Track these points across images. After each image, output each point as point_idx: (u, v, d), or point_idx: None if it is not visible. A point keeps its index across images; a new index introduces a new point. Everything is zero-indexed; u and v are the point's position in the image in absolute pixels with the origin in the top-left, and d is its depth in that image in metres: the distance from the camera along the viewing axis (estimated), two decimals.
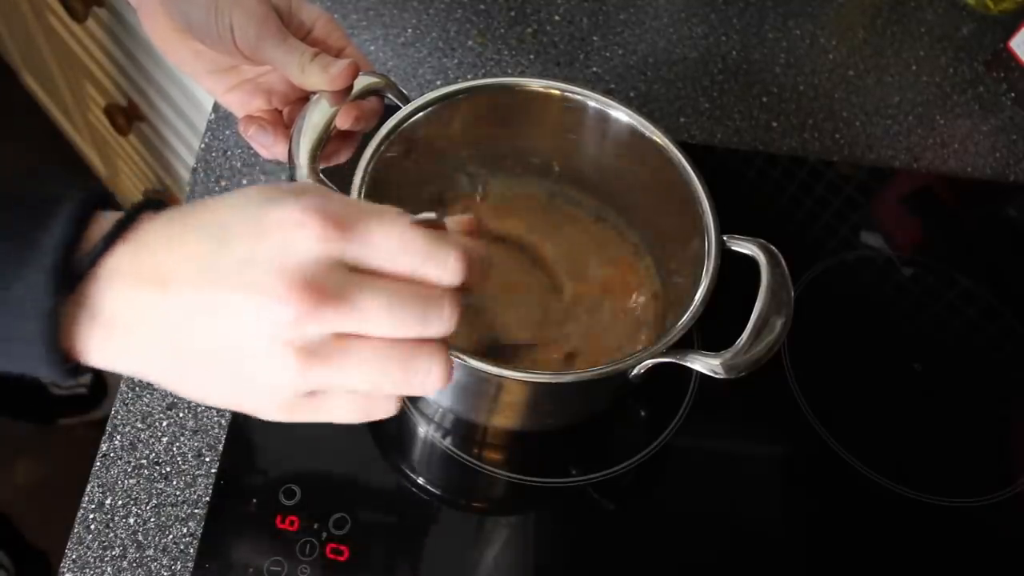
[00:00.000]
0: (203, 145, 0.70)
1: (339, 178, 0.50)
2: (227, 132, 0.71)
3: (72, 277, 0.32)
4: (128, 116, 1.15)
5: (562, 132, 0.61)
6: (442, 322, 0.33)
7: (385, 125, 0.54)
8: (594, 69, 0.78)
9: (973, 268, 0.72)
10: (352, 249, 0.32)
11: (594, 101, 0.58)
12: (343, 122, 0.52)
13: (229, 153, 0.70)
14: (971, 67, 0.86)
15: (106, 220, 0.33)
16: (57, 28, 1.17)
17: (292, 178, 0.50)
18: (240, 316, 0.31)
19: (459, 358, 0.46)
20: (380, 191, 0.52)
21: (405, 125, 0.55)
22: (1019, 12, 0.87)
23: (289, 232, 0.31)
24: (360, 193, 0.51)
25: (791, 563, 0.58)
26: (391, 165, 0.54)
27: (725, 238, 0.52)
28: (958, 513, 0.61)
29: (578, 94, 0.58)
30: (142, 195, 0.38)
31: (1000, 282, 0.72)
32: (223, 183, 0.68)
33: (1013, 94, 0.84)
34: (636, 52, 0.80)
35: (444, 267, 0.33)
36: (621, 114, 0.58)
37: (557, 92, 0.58)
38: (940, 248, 0.74)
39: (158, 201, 0.34)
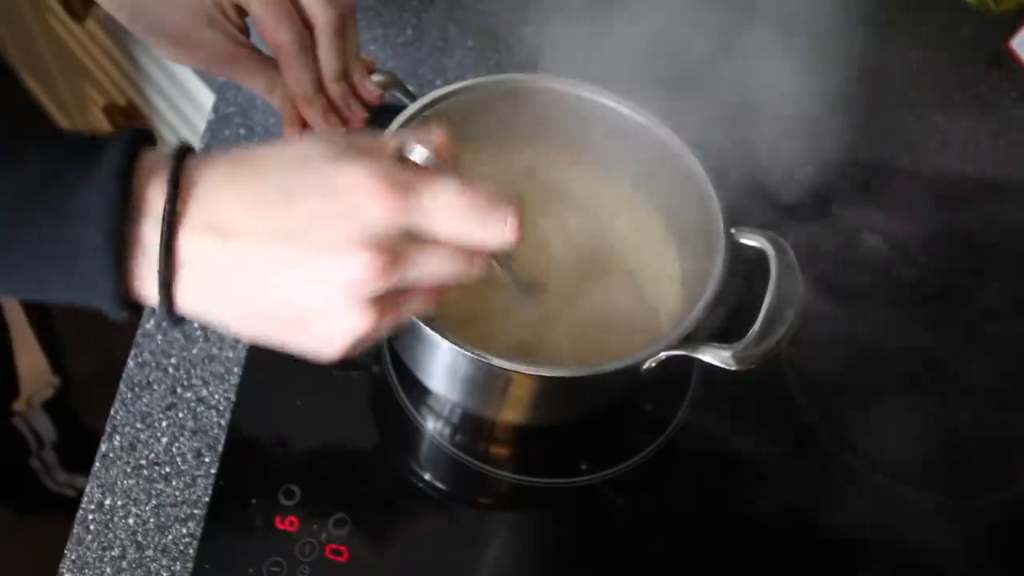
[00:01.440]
0: (202, 145, 0.70)
1: None
2: (226, 132, 0.71)
3: (132, 201, 0.32)
4: (128, 116, 1.15)
5: (570, 128, 0.61)
6: (480, 264, 0.37)
7: (393, 123, 0.54)
8: (594, 69, 0.78)
9: (973, 268, 0.72)
10: (414, 216, 0.33)
11: (601, 96, 0.58)
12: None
13: None
14: (972, 67, 0.86)
15: (151, 154, 0.34)
16: (57, 28, 1.17)
17: None
18: (314, 276, 0.33)
19: (475, 354, 0.47)
20: None
21: (413, 122, 0.55)
22: (1019, 12, 0.87)
23: (359, 197, 0.33)
24: None
25: (793, 563, 0.58)
26: None
27: (733, 231, 0.53)
28: (959, 513, 0.61)
29: (586, 91, 0.58)
30: (177, 146, 0.40)
31: (1000, 282, 0.72)
32: None
33: (1014, 94, 0.84)
34: (636, 52, 0.80)
35: (499, 234, 0.35)
36: (627, 109, 0.58)
37: (565, 89, 0.59)
38: (940, 248, 0.74)
39: (190, 147, 0.35)
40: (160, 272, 0.33)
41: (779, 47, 0.85)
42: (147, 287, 0.34)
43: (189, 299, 0.34)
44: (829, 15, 0.88)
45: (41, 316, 1.06)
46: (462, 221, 0.34)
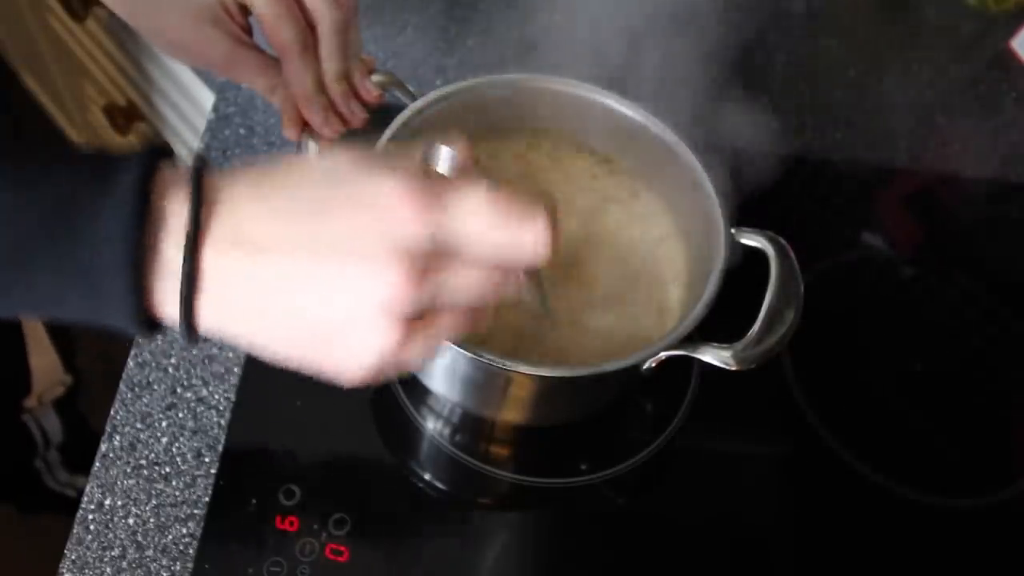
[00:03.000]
0: (202, 145, 0.70)
1: None
2: (226, 132, 0.71)
3: (151, 219, 0.32)
4: (128, 116, 1.15)
5: (572, 128, 0.61)
6: (512, 283, 0.35)
7: (393, 123, 0.54)
8: (594, 69, 0.78)
9: (973, 268, 0.72)
10: (446, 225, 0.33)
11: (602, 96, 0.58)
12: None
13: (228, 153, 0.70)
14: (972, 67, 0.86)
15: (170, 169, 0.33)
16: (57, 28, 1.17)
17: None
18: (347, 288, 0.32)
19: (473, 353, 0.47)
20: None
21: (413, 123, 0.55)
22: (1019, 12, 0.87)
23: (390, 209, 0.32)
24: None
25: (792, 563, 0.58)
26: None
27: (734, 231, 0.53)
28: (958, 513, 0.61)
29: (586, 91, 0.58)
30: (195, 158, 0.40)
31: (1000, 282, 0.72)
32: None
33: (1014, 94, 0.84)
34: (636, 52, 0.80)
35: (532, 243, 0.33)
36: (627, 109, 0.58)
37: (565, 89, 0.59)
38: (940, 248, 0.74)
39: (206, 160, 0.34)
40: (181, 290, 0.32)
41: (779, 47, 0.85)
42: (168, 305, 0.33)
43: (212, 317, 0.34)
44: (828, 16, 0.89)
45: None
46: (494, 227, 0.33)
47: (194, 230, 0.32)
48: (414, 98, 0.56)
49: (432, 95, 0.56)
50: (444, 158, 0.35)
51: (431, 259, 0.33)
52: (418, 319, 0.34)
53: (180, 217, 0.32)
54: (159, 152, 0.33)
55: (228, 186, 0.33)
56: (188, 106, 0.97)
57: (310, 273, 0.32)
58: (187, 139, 1.05)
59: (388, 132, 0.54)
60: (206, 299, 0.33)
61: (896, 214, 0.76)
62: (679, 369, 0.60)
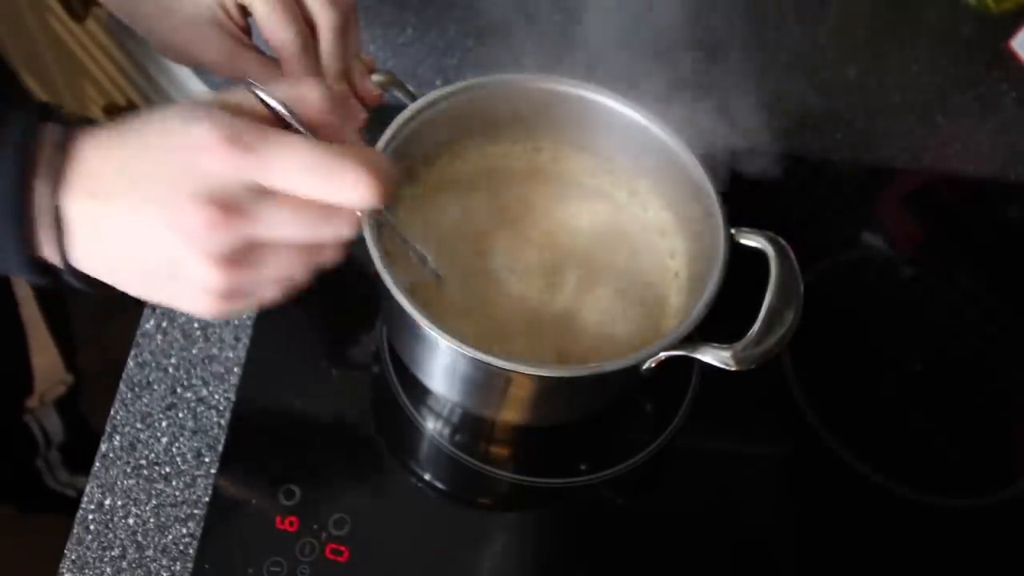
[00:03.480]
0: None
1: None
2: None
3: (32, 171, 0.35)
4: None
5: (572, 128, 0.61)
6: (347, 224, 0.36)
7: (393, 123, 0.54)
8: (594, 69, 0.78)
9: (973, 268, 0.72)
10: (254, 171, 0.34)
11: (602, 96, 0.58)
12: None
13: None
14: (972, 67, 0.86)
15: (52, 126, 0.36)
16: (57, 28, 1.17)
17: None
18: (153, 228, 0.35)
19: (472, 352, 0.46)
20: None
21: (413, 122, 0.55)
22: (1019, 12, 0.87)
23: (195, 153, 0.34)
24: None
25: (792, 563, 0.58)
26: (399, 162, 0.54)
27: (734, 231, 0.53)
28: (958, 513, 0.61)
29: (587, 91, 0.58)
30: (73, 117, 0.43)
31: (1000, 282, 0.72)
32: None
33: (1014, 94, 0.84)
34: (636, 52, 0.80)
35: (352, 193, 0.34)
36: (627, 109, 0.58)
37: (565, 89, 0.59)
38: (940, 248, 0.74)
39: (88, 119, 0.37)
40: (55, 237, 0.35)
41: (779, 47, 0.85)
42: (49, 252, 0.36)
43: (82, 260, 0.37)
44: (828, 15, 0.89)
45: (56, 314, 1.06)
46: (307, 178, 0.34)
47: (55, 180, 0.35)
48: (414, 98, 0.56)
49: (432, 95, 0.56)
50: (267, 99, 0.36)
51: (241, 201, 0.34)
52: (244, 258, 0.35)
53: (51, 171, 0.35)
54: (41, 109, 0.36)
55: (91, 139, 0.35)
56: None
57: (132, 219, 0.35)
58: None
59: (388, 132, 0.54)
60: (73, 244, 0.36)
61: (896, 214, 0.76)
62: (679, 369, 0.60)
